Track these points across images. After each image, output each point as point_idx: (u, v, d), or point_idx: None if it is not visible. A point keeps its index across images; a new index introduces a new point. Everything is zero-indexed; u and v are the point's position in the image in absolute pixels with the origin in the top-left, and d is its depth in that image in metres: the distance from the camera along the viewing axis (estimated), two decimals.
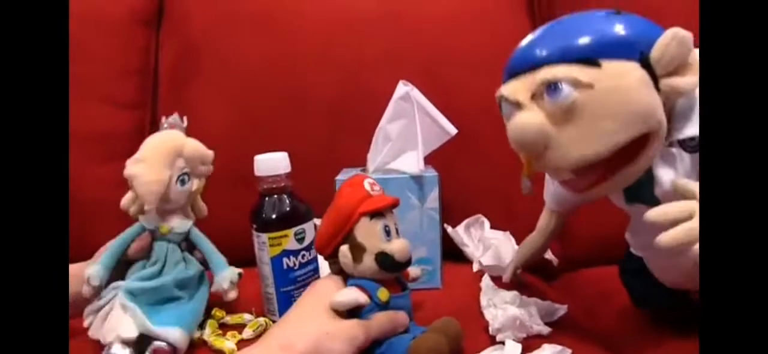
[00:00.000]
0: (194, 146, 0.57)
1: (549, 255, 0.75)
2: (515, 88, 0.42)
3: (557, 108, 0.39)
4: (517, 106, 0.41)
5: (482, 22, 0.84)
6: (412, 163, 0.64)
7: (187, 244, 0.57)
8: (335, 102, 0.81)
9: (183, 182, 0.55)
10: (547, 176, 0.61)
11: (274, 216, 0.56)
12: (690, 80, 0.39)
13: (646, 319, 0.57)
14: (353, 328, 0.44)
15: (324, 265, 0.66)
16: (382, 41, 0.83)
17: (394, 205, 0.50)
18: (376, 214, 0.48)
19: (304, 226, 0.57)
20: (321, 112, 0.81)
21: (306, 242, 0.58)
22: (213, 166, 0.59)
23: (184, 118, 0.58)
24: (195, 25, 0.86)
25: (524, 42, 0.43)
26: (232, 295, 0.55)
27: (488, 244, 0.68)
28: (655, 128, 0.39)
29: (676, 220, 0.36)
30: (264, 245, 0.56)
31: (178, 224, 0.56)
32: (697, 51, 0.42)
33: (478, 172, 0.80)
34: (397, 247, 0.47)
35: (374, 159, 0.67)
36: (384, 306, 0.47)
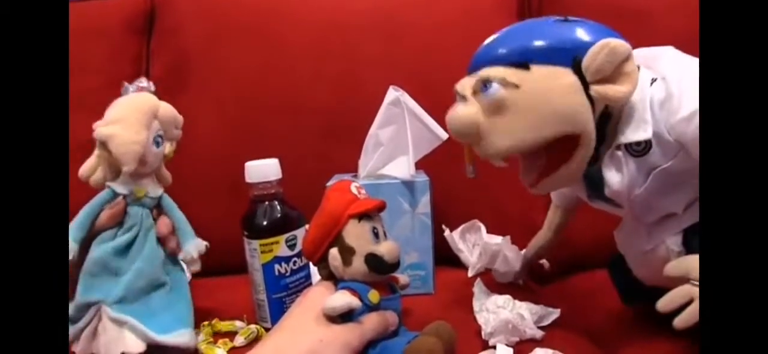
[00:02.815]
0: (168, 108, 0.56)
1: (541, 259, 0.75)
2: (464, 84, 0.47)
3: (488, 102, 0.44)
4: (463, 99, 0.46)
5: (474, 28, 0.84)
6: (403, 168, 0.64)
7: (157, 212, 0.56)
8: (327, 108, 0.82)
9: (157, 144, 0.54)
10: None
11: (265, 223, 0.56)
12: (620, 89, 0.42)
13: (638, 321, 0.57)
14: (347, 333, 0.44)
15: (315, 274, 0.66)
16: (374, 47, 0.84)
17: (382, 207, 0.50)
18: (364, 216, 0.48)
19: (295, 232, 0.57)
20: (312, 118, 0.82)
21: (297, 249, 0.57)
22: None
23: (150, 82, 0.57)
24: (186, 34, 0.86)
25: (485, 42, 0.48)
26: (196, 267, 0.55)
27: (490, 250, 0.68)
28: (579, 131, 0.43)
29: (681, 306, 0.40)
30: (255, 252, 0.56)
31: (152, 189, 0.55)
32: (660, 49, 0.47)
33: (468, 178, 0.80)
34: (386, 248, 0.47)
35: (365, 165, 0.67)
36: (375, 308, 0.47)
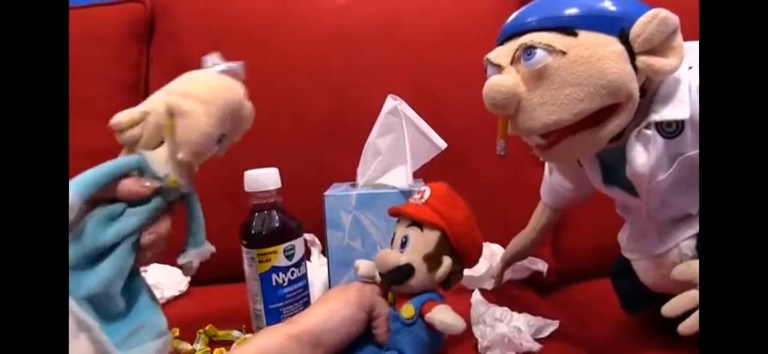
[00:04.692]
0: (250, 110, 0.50)
1: (539, 265, 0.75)
2: (499, 53, 0.44)
3: (530, 71, 0.41)
4: (498, 68, 0.44)
5: (474, 37, 0.84)
6: (401, 177, 0.64)
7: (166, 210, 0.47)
8: (326, 117, 0.82)
9: (219, 142, 0.47)
10: (545, 168, 0.63)
11: (263, 232, 0.56)
12: (668, 62, 0.41)
13: (638, 332, 0.57)
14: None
15: (315, 282, 0.66)
16: (374, 56, 0.84)
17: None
18: None
19: (293, 242, 0.57)
20: (312, 127, 0.82)
21: (296, 259, 0.57)
22: None
23: (240, 63, 0.49)
24: (185, 41, 0.87)
25: (517, 12, 0.46)
26: (189, 274, 0.51)
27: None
28: (623, 101, 0.41)
29: (687, 311, 0.40)
30: (253, 261, 0.56)
31: (184, 183, 0.47)
32: (693, 43, 0.43)
33: (469, 186, 0.79)
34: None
35: (364, 173, 0.67)
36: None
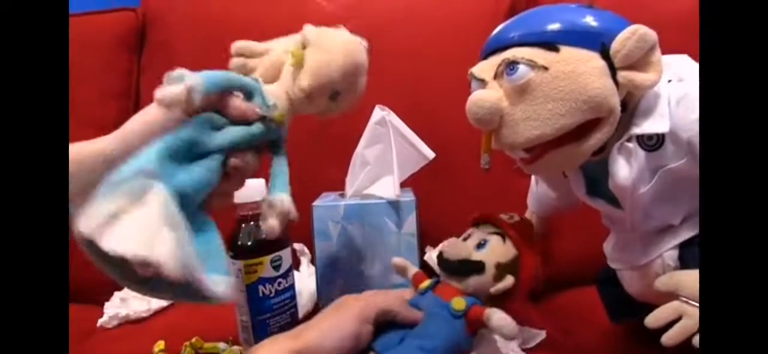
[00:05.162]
0: (364, 84, 0.52)
1: None
2: (482, 67, 0.45)
3: (513, 86, 0.42)
4: (482, 83, 0.44)
5: (463, 48, 0.84)
6: (388, 188, 0.65)
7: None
8: (315, 126, 0.82)
9: (332, 98, 0.49)
10: (532, 178, 0.64)
11: (249, 243, 0.56)
12: (647, 77, 0.41)
13: (625, 341, 0.57)
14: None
15: (303, 292, 0.66)
16: None
17: None
18: None
19: (280, 253, 0.57)
20: (300, 136, 0.81)
21: (282, 269, 0.57)
22: None
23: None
24: (177, 50, 0.87)
25: (500, 26, 0.46)
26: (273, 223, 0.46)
27: None
28: (604, 115, 0.41)
29: (669, 322, 0.39)
30: (239, 272, 0.56)
31: (286, 124, 0.47)
32: (671, 57, 0.45)
33: (456, 196, 0.80)
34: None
35: (352, 184, 0.68)
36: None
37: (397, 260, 0.57)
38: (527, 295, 0.53)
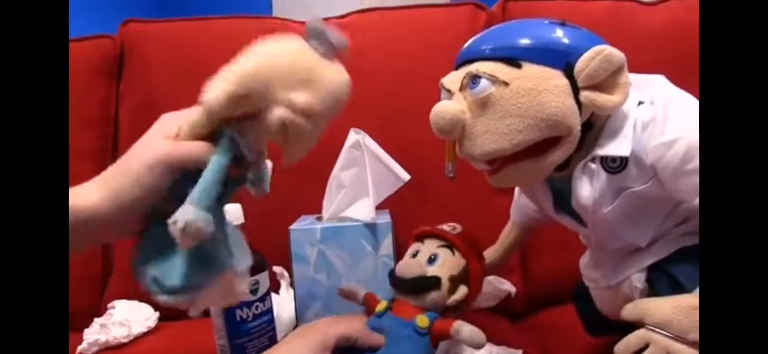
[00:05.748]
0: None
1: (506, 286, 0.76)
2: (451, 79, 0.46)
3: (475, 99, 0.43)
4: (449, 94, 0.45)
5: (438, 69, 0.86)
6: (364, 210, 0.65)
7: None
8: None
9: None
10: (516, 190, 0.65)
11: None
12: (610, 98, 0.41)
13: None
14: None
15: (282, 315, 0.66)
16: None
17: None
18: None
19: (257, 277, 0.58)
20: (277, 159, 0.82)
21: (260, 293, 0.58)
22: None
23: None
24: (154, 77, 0.87)
25: (474, 38, 0.47)
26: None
27: None
28: (563, 134, 0.42)
29: (637, 349, 0.41)
30: None
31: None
32: (646, 77, 0.45)
33: (433, 216, 0.80)
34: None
35: (328, 207, 0.68)
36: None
37: (343, 288, 0.59)
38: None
